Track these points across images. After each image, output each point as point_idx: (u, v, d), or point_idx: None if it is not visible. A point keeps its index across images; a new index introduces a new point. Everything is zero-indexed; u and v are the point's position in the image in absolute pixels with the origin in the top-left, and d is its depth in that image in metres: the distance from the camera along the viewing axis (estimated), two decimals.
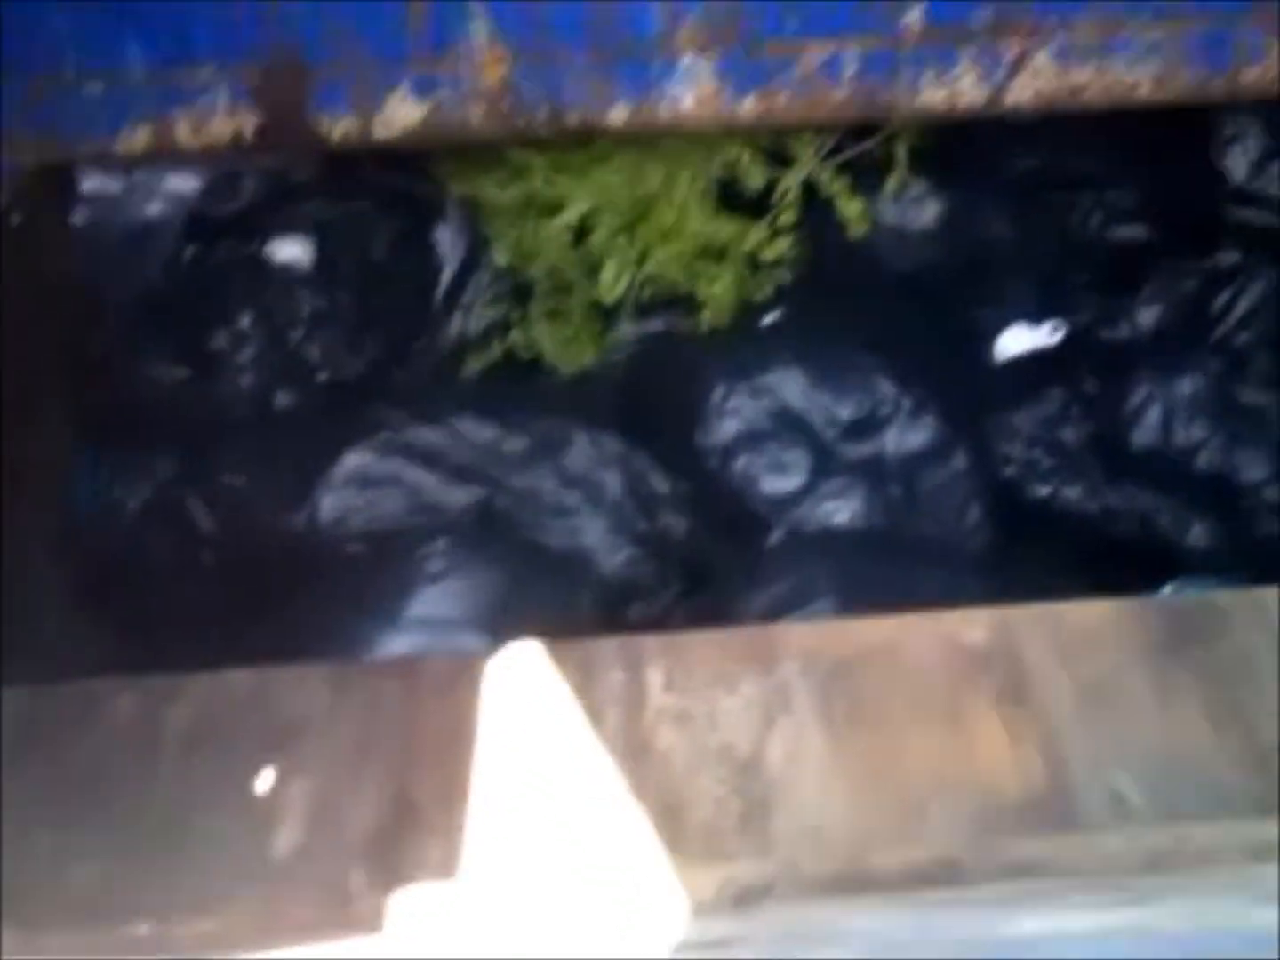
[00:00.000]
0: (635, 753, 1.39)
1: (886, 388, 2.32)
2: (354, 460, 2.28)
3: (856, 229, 2.37)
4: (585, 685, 1.46)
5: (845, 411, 2.33)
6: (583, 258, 2.39)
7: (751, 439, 2.33)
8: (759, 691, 1.45)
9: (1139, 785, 1.33)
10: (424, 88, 2.11)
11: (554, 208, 2.35)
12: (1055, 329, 2.43)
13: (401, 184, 2.35)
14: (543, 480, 2.32)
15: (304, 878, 1.31)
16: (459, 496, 2.28)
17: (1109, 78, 2.18)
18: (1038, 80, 2.17)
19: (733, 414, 2.35)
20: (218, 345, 2.27)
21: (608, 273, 2.38)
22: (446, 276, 2.36)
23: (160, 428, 2.34)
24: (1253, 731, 1.36)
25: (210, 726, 1.46)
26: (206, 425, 2.35)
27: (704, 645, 1.53)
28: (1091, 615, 1.53)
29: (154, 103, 2.10)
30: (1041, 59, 2.16)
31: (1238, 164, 2.43)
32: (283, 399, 2.38)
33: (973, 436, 2.33)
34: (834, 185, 2.35)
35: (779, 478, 2.31)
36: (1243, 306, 2.38)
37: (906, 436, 2.32)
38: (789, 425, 2.33)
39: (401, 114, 2.12)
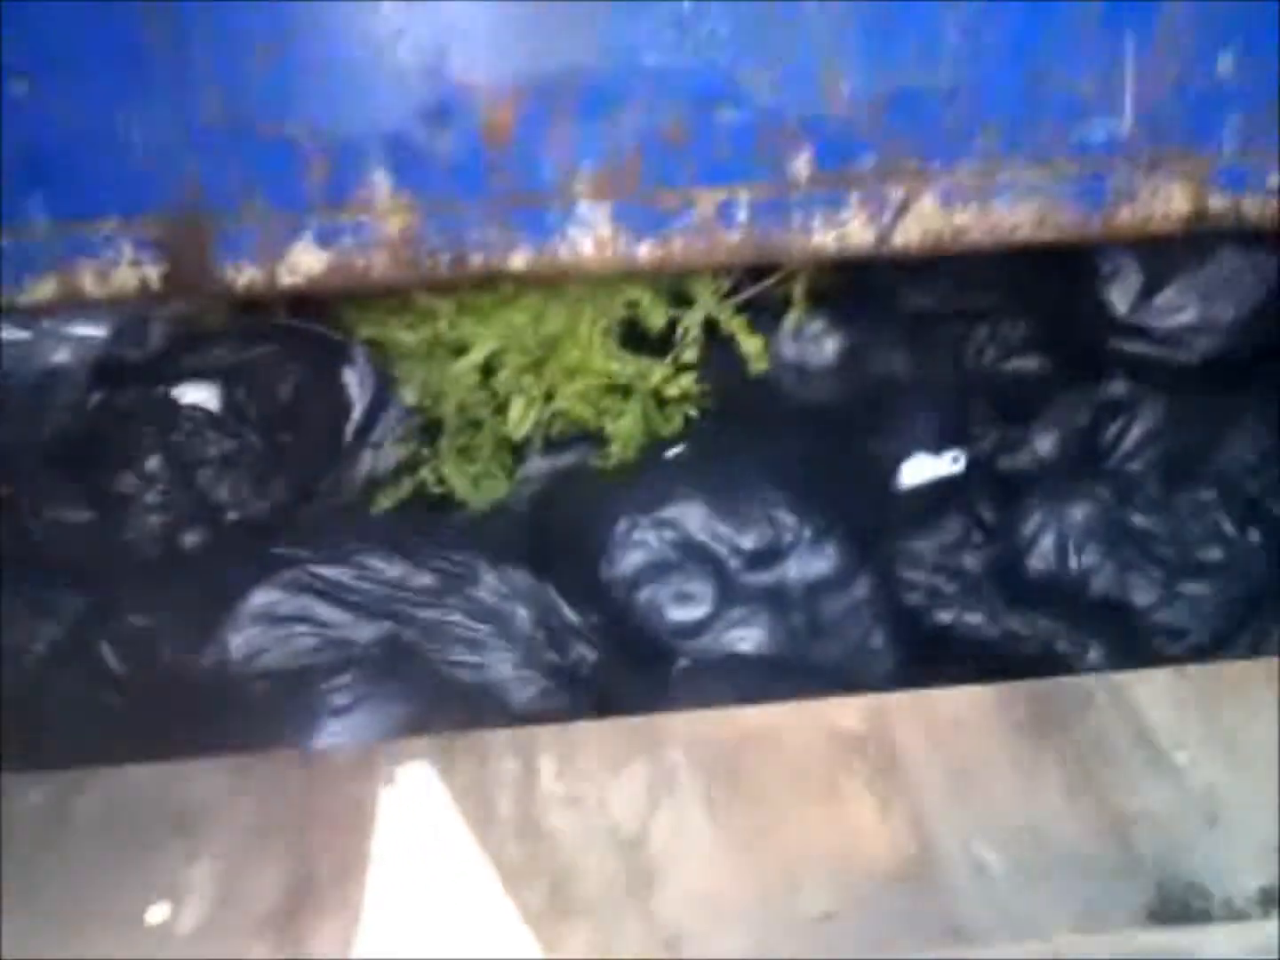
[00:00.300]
0: (526, 834, 1.45)
1: (788, 517, 2.37)
2: (261, 598, 2.28)
3: (756, 365, 2.43)
4: (479, 772, 1.54)
5: (748, 541, 2.37)
6: (490, 396, 2.43)
7: (656, 570, 2.37)
8: (645, 775, 1.55)
9: (1000, 854, 1.43)
10: (327, 236, 2.14)
11: (461, 348, 2.39)
12: (955, 459, 2.49)
13: (309, 328, 2.38)
14: (451, 614, 2.33)
15: (208, 953, 1.35)
16: (367, 631, 2.27)
17: (991, 219, 2.26)
18: (923, 222, 2.24)
19: (638, 546, 2.39)
20: (125, 487, 2.28)
21: (515, 410, 2.42)
22: (355, 416, 2.40)
23: (68, 569, 2.35)
24: (1105, 803, 1.48)
25: (115, 815, 1.52)
26: (115, 565, 2.36)
27: (593, 734, 1.64)
28: (960, 701, 1.66)
29: (59, 254, 2.12)
30: (926, 202, 2.23)
31: (1120, 299, 2.52)
32: (191, 538, 2.39)
33: (875, 563, 2.38)
34: (733, 323, 2.41)
35: (684, 607, 2.35)
36: (1133, 435, 2.45)
37: (809, 564, 2.37)
38: (693, 556, 2.37)
39: (305, 262, 2.15)
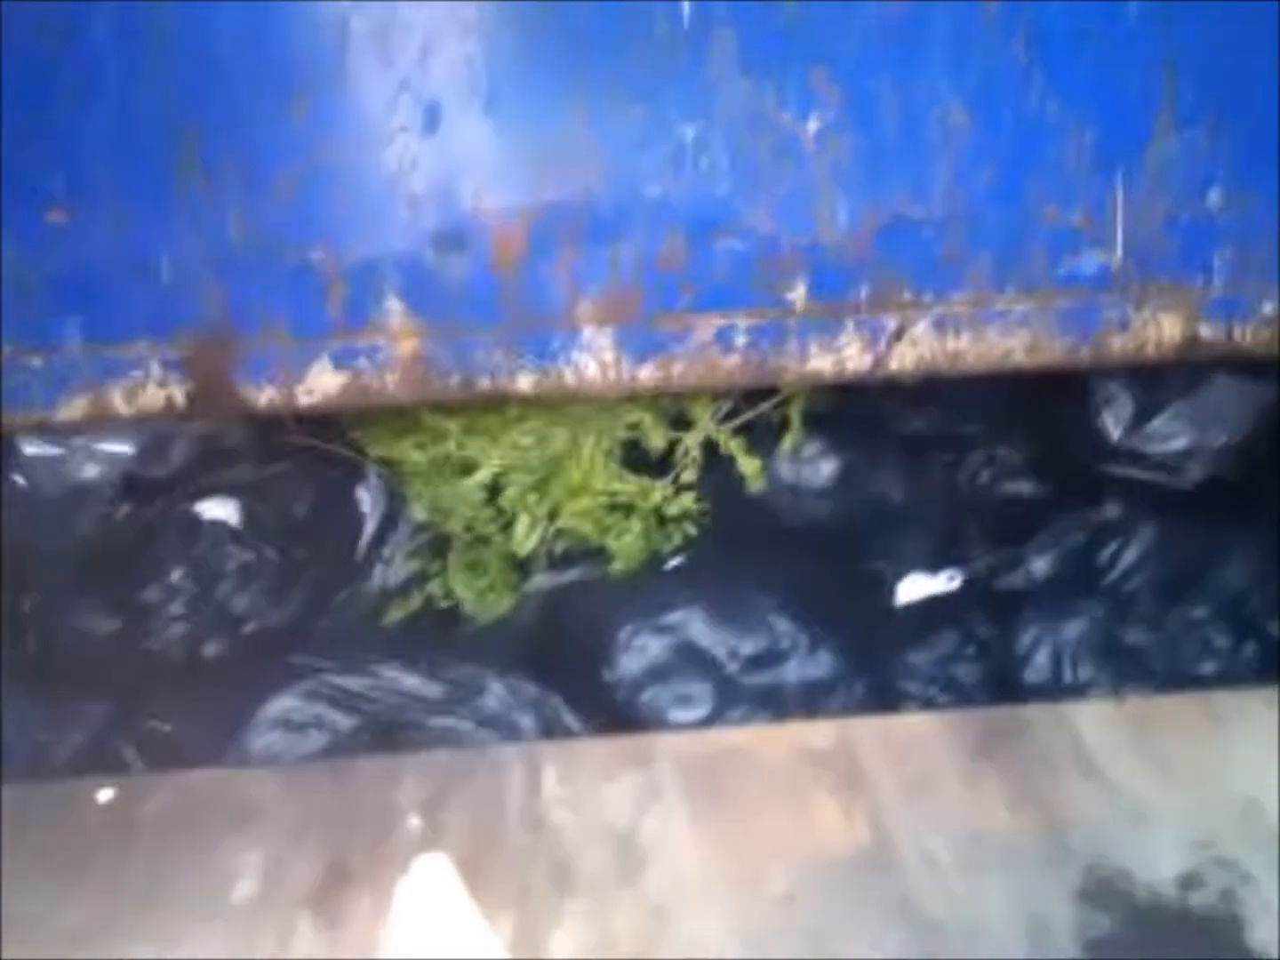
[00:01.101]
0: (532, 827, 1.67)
1: (786, 625, 2.41)
2: (279, 705, 2.35)
3: (754, 485, 2.48)
4: (491, 779, 1.78)
5: (746, 646, 2.40)
6: (496, 513, 2.49)
7: (657, 673, 2.40)
8: (636, 783, 1.76)
9: (948, 849, 1.62)
10: (343, 359, 2.22)
11: (468, 467, 2.46)
12: (951, 578, 2.52)
13: (324, 447, 2.46)
14: (460, 722, 2.38)
15: (262, 923, 1.56)
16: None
17: (984, 346, 2.31)
18: (917, 348, 2.30)
19: (639, 651, 2.44)
20: (150, 597, 2.34)
21: (520, 527, 2.48)
22: (368, 531, 2.46)
23: (92, 676, 2.40)
24: (1043, 809, 1.65)
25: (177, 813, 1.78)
26: (138, 673, 2.42)
27: (590, 750, 1.90)
28: (917, 725, 1.88)
29: (91, 375, 2.21)
30: (920, 329, 2.29)
31: (1113, 425, 2.55)
32: (211, 648, 2.45)
33: (871, 671, 2.40)
34: (731, 445, 2.47)
35: (684, 709, 2.38)
36: (1128, 556, 2.47)
37: (806, 668, 2.39)
38: (693, 660, 2.41)
39: (322, 382, 2.23)
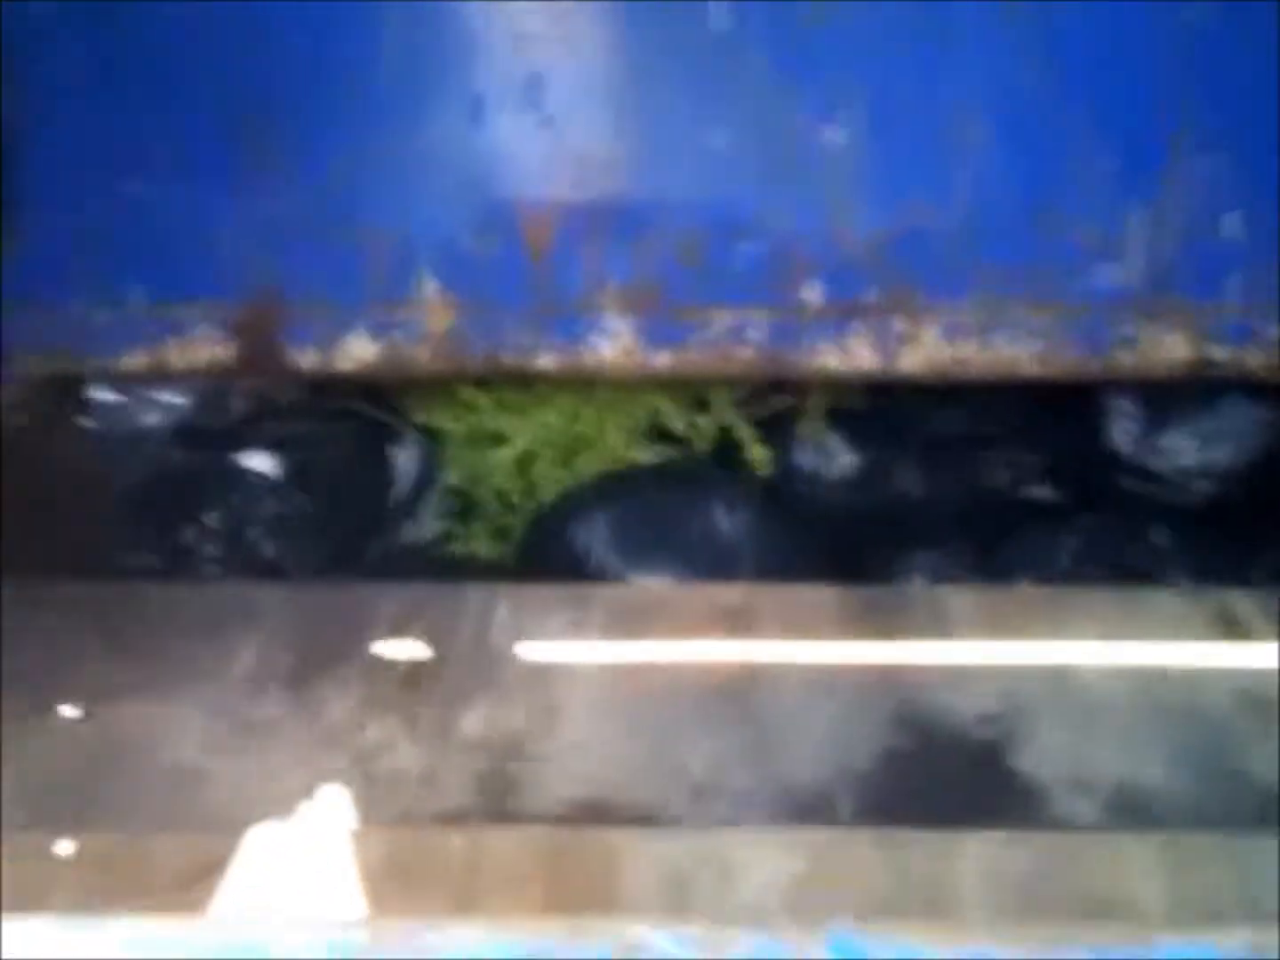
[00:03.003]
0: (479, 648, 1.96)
1: None
2: None
3: (761, 471, 2.54)
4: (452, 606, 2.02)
5: None
6: (526, 484, 2.58)
7: None
8: (569, 617, 2.00)
9: (800, 679, 1.88)
10: (379, 329, 2.32)
11: (500, 439, 2.55)
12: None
13: (367, 411, 2.56)
14: None
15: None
16: None
17: (992, 354, 2.33)
18: (926, 352, 2.32)
19: None
20: (186, 539, 2.46)
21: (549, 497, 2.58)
22: (400, 492, 2.56)
23: None
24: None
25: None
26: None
27: (539, 593, 2.08)
28: (813, 592, 2.09)
29: (151, 331, 2.33)
30: (929, 334, 2.33)
31: (1123, 437, 2.55)
32: None
33: None
34: (743, 431, 2.53)
35: None
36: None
37: None
38: None
39: (359, 351, 2.33)
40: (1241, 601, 2.03)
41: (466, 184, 2.27)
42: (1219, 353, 2.35)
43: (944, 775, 1.70)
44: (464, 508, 2.57)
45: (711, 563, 2.40)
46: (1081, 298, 2.32)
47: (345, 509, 2.47)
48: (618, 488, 2.53)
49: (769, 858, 1.50)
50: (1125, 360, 2.37)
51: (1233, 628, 1.97)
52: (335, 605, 2.06)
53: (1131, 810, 1.64)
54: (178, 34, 2.18)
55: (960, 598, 2.06)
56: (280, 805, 1.64)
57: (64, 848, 1.48)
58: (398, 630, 1.94)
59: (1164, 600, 2.13)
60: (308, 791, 1.66)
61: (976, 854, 1.50)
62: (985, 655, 1.91)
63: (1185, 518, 2.48)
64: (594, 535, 2.41)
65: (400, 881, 1.47)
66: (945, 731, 1.77)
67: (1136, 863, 1.49)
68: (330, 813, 1.62)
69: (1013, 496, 2.60)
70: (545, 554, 2.45)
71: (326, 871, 1.45)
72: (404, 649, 1.89)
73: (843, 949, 1.27)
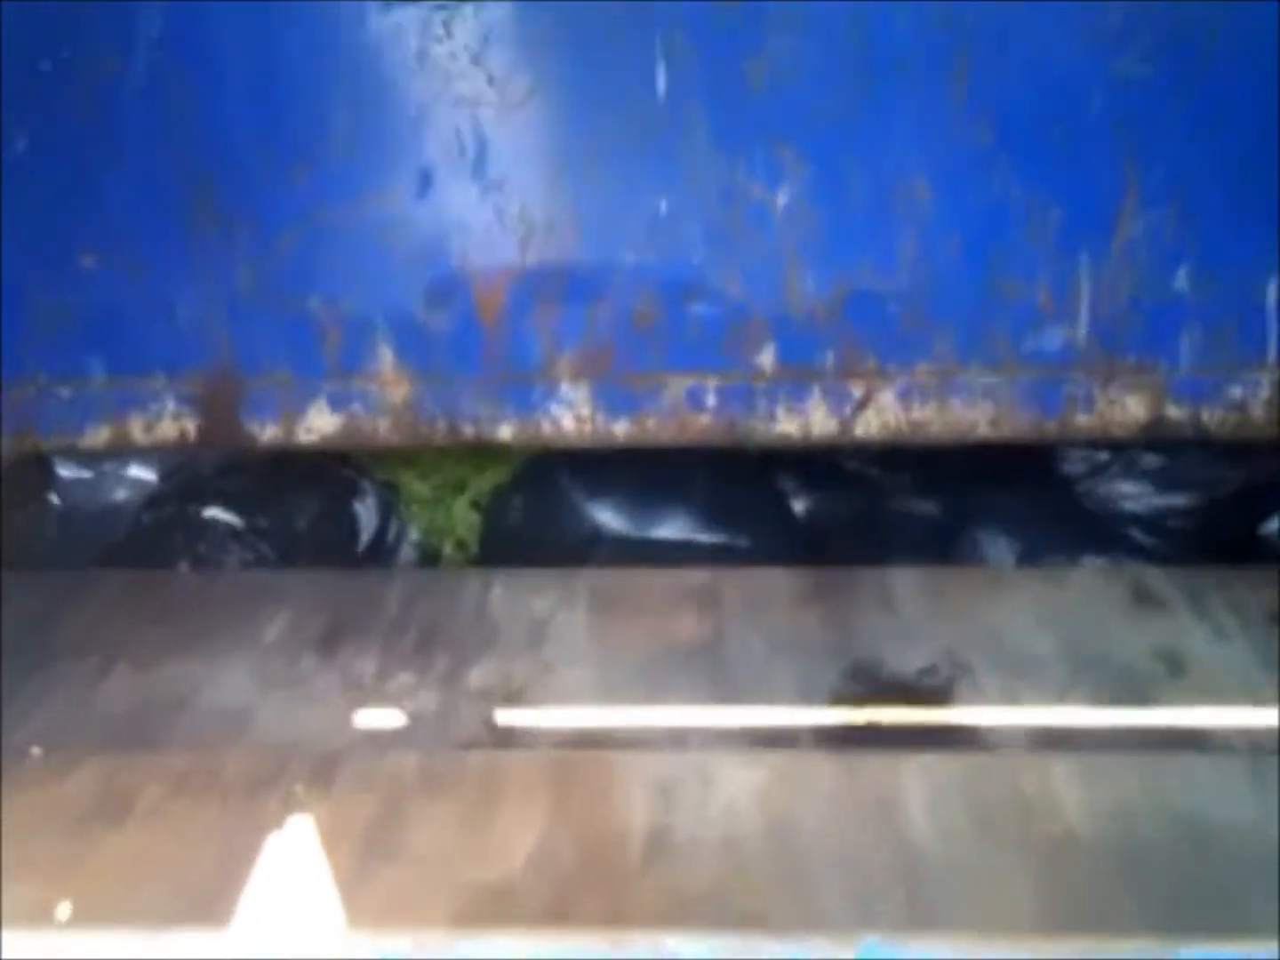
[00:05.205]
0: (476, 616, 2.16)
1: None
2: None
3: None
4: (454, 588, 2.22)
5: None
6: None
7: None
8: (557, 595, 2.17)
9: (763, 643, 2.01)
10: (339, 402, 2.28)
11: (462, 487, 2.50)
12: None
13: (327, 468, 2.49)
14: None
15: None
16: None
17: (948, 417, 2.26)
18: (883, 416, 2.26)
19: None
20: None
21: None
22: (363, 540, 2.48)
23: None
24: (846, 628, 2.05)
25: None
26: None
27: (530, 574, 2.24)
28: (769, 575, 2.20)
29: (112, 406, 2.29)
30: (886, 397, 2.26)
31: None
32: None
33: None
34: None
35: None
36: None
37: None
38: None
39: (320, 423, 2.28)
40: (1155, 576, 2.19)
41: (417, 253, 2.22)
42: (1175, 413, 2.27)
43: (890, 716, 1.86)
44: (425, 558, 2.50)
45: None
46: (1033, 359, 2.26)
47: (308, 559, 2.40)
48: None
49: (739, 773, 1.69)
50: (1081, 421, 2.29)
51: (1146, 599, 2.12)
52: (351, 586, 2.23)
53: (1054, 741, 1.82)
54: (128, 114, 2.15)
55: (904, 576, 2.20)
56: (319, 738, 1.82)
57: (143, 764, 1.71)
58: (408, 606, 2.14)
59: (1086, 576, 2.31)
60: (342, 727, 1.85)
61: (919, 768, 1.68)
62: (927, 621, 2.07)
63: None
64: None
65: (428, 793, 1.66)
66: (890, 681, 1.93)
67: (1057, 776, 1.66)
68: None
69: None
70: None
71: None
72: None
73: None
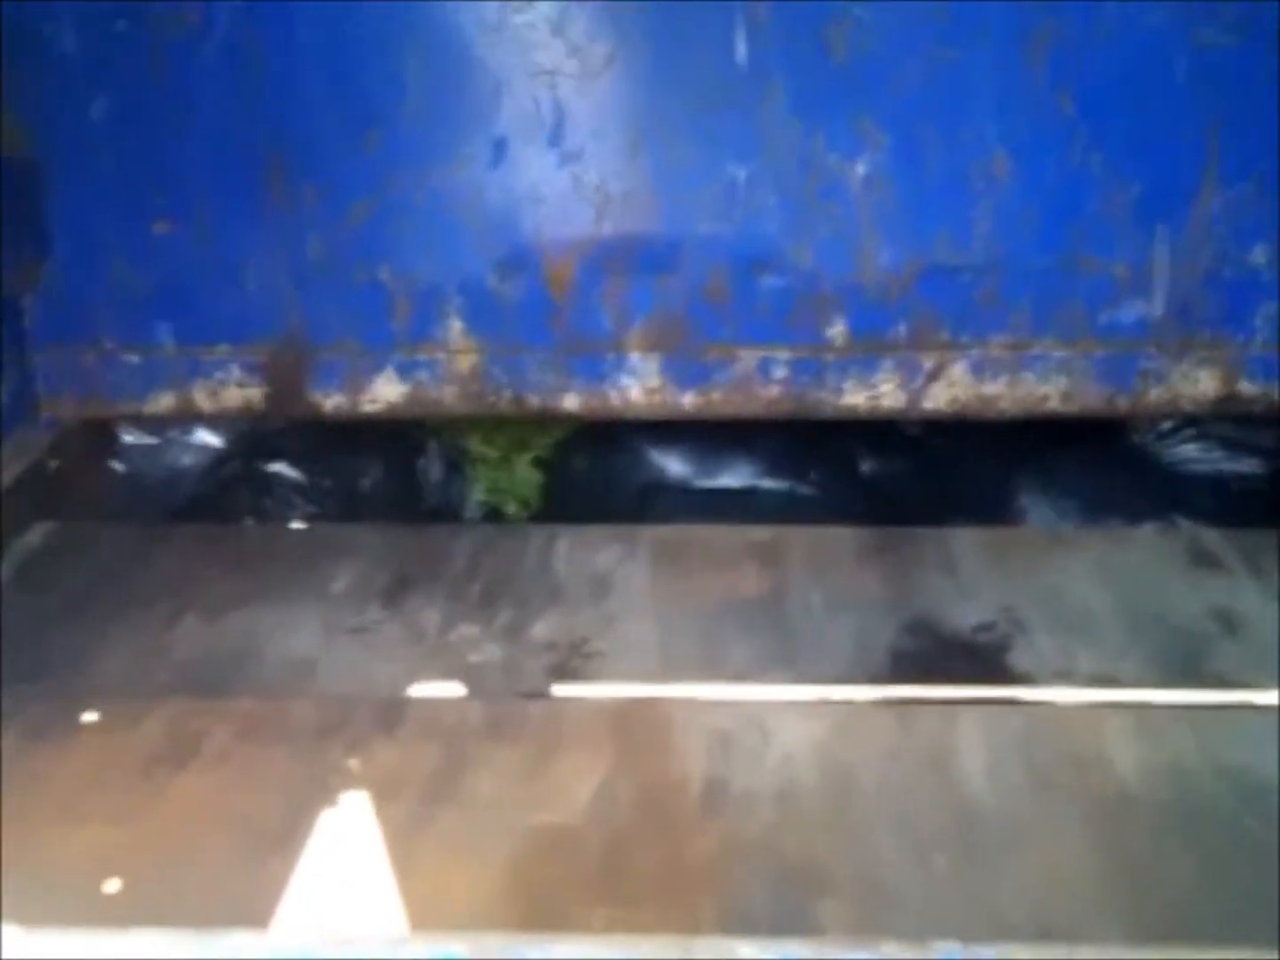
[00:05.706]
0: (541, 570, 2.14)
1: None
2: None
3: None
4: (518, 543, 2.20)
5: None
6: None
7: None
8: (619, 551, 2.15)
9: (823, 599, 1.99)
10: (405, 371, 2.26)
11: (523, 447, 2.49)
12: None
13: (392, 430, 2.44)
14: None
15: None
16: None
17: (1020, 390, 2.24)
18: (953, 389, 2.24)
19: None
20: None
21: None
22: (427, 500, 2.47)
23: None
24: (905, 586, 2.02)
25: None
26: None
27: (594, 531, 2.23)
28: (835, 533, 2.19)
29: (179, 374, 2.28)
30: (957, 370, 2.24)
31: None
32: None
33: None
34: None
35: None
36: None
37: None
38: None
39: (385, 392, 2.27)
40: (1212, 537, 2.17)
41: (489, 224, 2.19)
42: (1248, 389, 2.24)
43: (947, 669, 1.85)
44: (489, 519, 2.48)
45: None
46: (1108, 333, 2.23)
47: (371, 515, 2.40)
48: None
49: (797, 724, 1.70)
50: (1153, 396, 2.27)
51: (1203, 560, 2.11)
52: (417, 540, 2.24)
53: (1109, 698, 1.78)
54: (203, 80, 2.12)
55: (964, 536, 2.21)
56: (385, 686, 1.81)
57: (211, 710, 1.72)
58: (473, 560, 2.13)
59: (1143, 536, 2.30)
60: (409, 676, 1.83)
61: (974, 722, 1.69)
62: (985, 579, 2.07)
63: None
64: None
65: (490, 741, 1.67)
66: (949, 637, 1.92)
67: (1112, 732, 1.67)
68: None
69: None
70: None
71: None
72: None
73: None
